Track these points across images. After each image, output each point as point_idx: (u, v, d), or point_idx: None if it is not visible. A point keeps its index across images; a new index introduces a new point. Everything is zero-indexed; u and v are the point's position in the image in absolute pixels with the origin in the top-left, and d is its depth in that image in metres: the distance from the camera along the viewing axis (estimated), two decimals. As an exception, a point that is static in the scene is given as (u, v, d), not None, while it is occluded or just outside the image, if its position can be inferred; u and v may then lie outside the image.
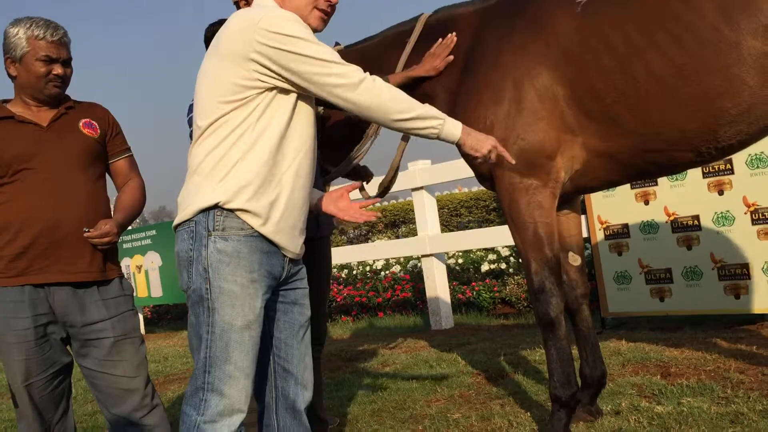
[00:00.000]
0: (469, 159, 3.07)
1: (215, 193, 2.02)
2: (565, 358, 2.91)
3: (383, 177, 3.31)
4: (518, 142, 2.82)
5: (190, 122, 3.53)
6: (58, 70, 2.47)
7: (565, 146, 2.84)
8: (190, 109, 3.56)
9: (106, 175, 2.65)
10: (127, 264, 9.69)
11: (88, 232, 2.42)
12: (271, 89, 2.06)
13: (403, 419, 3.62)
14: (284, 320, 2.22)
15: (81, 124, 2.53)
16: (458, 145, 2.31)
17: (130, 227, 11.47)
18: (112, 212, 2.60)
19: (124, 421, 2.49)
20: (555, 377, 2.92)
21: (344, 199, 2.42)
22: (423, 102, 2.26)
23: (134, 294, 9.43)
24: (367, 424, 3.62)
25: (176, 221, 2.12)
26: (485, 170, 3.03)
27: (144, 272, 9.53)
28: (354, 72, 2.09)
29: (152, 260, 9.36)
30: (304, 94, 2.12)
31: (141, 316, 10.27)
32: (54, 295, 2.44)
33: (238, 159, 2.03)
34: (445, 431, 3.32)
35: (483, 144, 2.30)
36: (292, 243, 2.17)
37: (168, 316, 11.06)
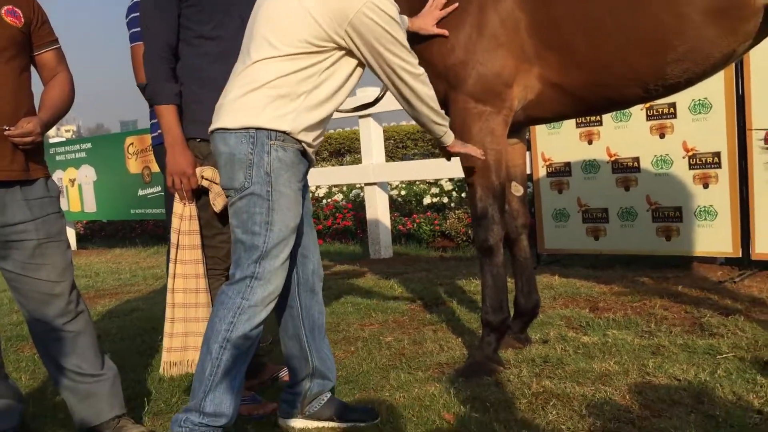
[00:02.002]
0: None
1: (280, 121, 2.19)
2: (500, 285, 2.96)
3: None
4: (477, 67, 2.82)
5: (129, 24, 3.34)
6: None
7: (522, 75, 2.85)
8: (130, 9, 3.36)
9: (31, 67, 2.48)
10: (59, 177, 9.36)
11: (8, 130, 2.27)
12: (346, 50, 2.23)
13: (336, 341, 3.64)
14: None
15: (3, 11, 2.33)
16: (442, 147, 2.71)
17: (64, 138, 11.01)
18: (36, 108, 2.43)
19: (47, 327, 2.40)
20: (488, 302, 2.96)
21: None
22: None
23: (67, 209, 9.10)
24: (300, 344, 3.63)
25: (230, 125, 2.22)
26: (441, 94, 2.99)
27: (77, 186, 9.22)
28: (417, 63, 2.34)
29: (86, 174, 9.05)
30: (363, 64, 2.31)
31: (73, 231, 10.00)
32: (-27, 193, 2.30)
33: (302, 94, 2.20)
34: (377, 353, 3.35)
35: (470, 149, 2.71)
36: (314, 158, 2.46)
37: (102, 233, 10.81)
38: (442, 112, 2.50)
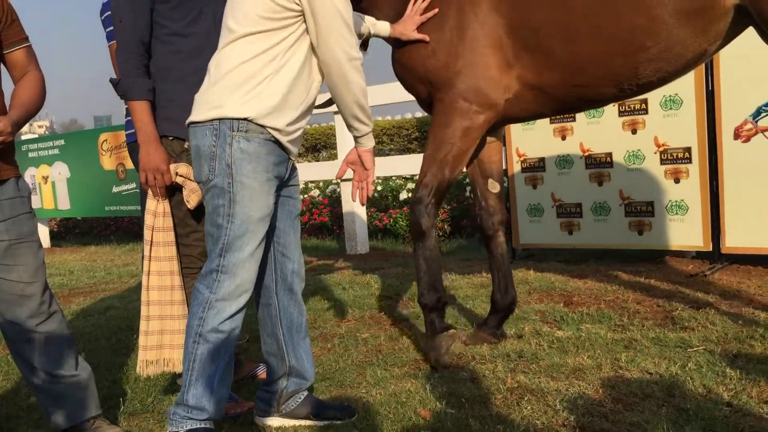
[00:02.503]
0: (408, 83, 3.13)
1: (244, 108, 2.18)
2: (433, 267, 3.03)
3: None
4: (459, 69, 2.88)
5: (104, 23, 3.30)
6: None
7: (502, 76, 2.89)
8: (104, 7, 3.32)
9: (1, 66, 2.44)
10: (32, 174, 9.23)
11: None
12: (304, 24, 2.22)
13: (313, 337, 3.64)
14: (282, 211, 2.44)
15: (-28, 9, 2.30)
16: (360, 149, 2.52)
17: (36, 135, 10.84)
18: (7, 107, 2.40)
19: (20, 329, 2.37)
20: (422, 284, 3.05)
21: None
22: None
23: (40, 206, 8.97)
24: (277, 342, 3.63)
25: (196, 118, 2.25)
26: (423, 95, 3.07)
27: (51, 183, 9.10)
28: (357, 47, 2.29)
29: (60, 171, 8.94)
30: None
31: (47, 229, 9.88)
32: (-58, 193, 2.26)
33: (266, 77, 2.19)
34: (354, 350, 3.36)
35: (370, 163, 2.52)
36: (296, 149, 2.40)
37: (75, 230, 10.69)
38: (369, 111, 2.41)
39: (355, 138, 2.48)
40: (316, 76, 2.32)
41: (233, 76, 2.20)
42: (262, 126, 2.21)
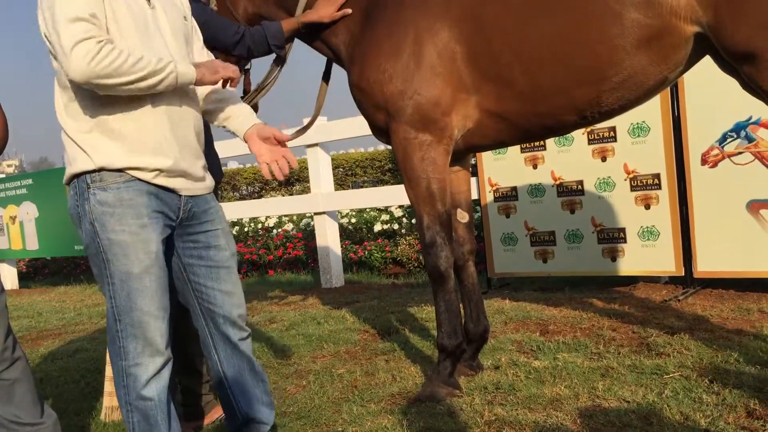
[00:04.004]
0: (366, 111, 3.06)
1: (88, 160, 2.03)
2: (453, 310, 2.99)
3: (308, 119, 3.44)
4: (415, 97, 2.85)
5: None
6: None
7: (460, 104, 2.88)
8: None
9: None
10: (0, 214, 9.07)
11: None
12: None
13: (287, 375, 3.58)
14: (199, 265, 2.25)
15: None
16: (199, 83, 2.17)
17: (3, 175, 10.65)
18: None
19: (-18, 376, 2.30)
20: (443, 328, 2.99)
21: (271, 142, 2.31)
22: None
23: (8, 247, 8.77)
24: (250, 380, 3.56)
25: (65, 180, 2.15)
26: (381, 123, 3.02)
27: (19, 223, 8.94)
28: (68, 46, 1.88)
29: (28, 211, 8.78)
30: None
31: (15, 270, 9.68)
32: None
33: (112, 118, 2.02)
34: (329, 386, 3.31)
35: (218, 68, 2.17)
36: (180, 181, 2.14)
37: (45, 271, 10.49)
38: (152, 65, 1.98)
39: (177, 83, 2.07)
40: (173, 106, 2.11)
41: (71, 130, 2.07)
42: (120, 170, 2.04)
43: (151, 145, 2.07)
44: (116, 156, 2.04)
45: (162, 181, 2.10)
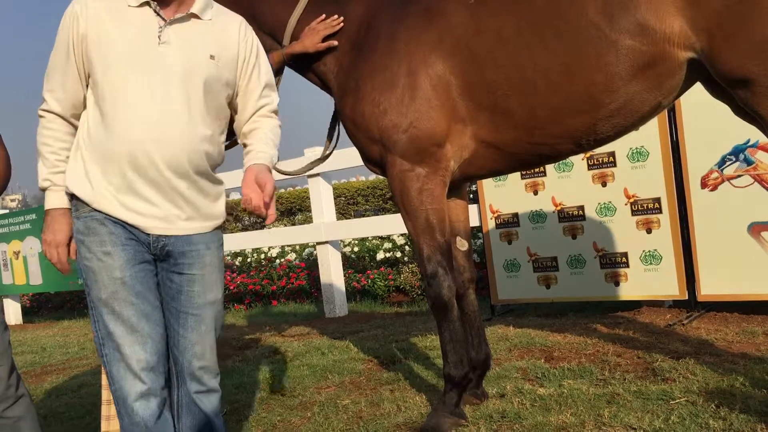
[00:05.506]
0: (360, 143, 3.06)
1: (69, 184, 2.13)
2: (458, 339, 2.97)
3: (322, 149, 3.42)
4: (410, 129, 2.84)
5: None
6: None
7: (456, 135, 2.88)
8: None
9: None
10: (3, 249, 9.10)
11: None
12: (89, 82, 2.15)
13: (292, 406, 3.56)
14: (171, 306, 2.19)
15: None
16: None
17: (7, 211, 10.70)
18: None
19: (-14, 414, 2.29)
20: (449, 358, 2.97)
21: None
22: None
23: (12, 282, 8.78)
24: (256, 412, 3.55)
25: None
26: (376, 156, 3.02)
27: (22, 258, 8.97)
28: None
29: (31, 246, 8.82)
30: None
31: (19, 305, 9.69)
32: None
33: (81, 145, 2.12)
34: (334, 417, 3.29)
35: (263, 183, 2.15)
36: (147, 220, 2.10)
37: (48, 305, 10.49)
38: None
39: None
40: (149, 149, 2.05)
41: (73, 152, 2.18)
42: (84, 202, 2.10)
43: (115, 184, 2.08)
44: (85, 189, 2.11)
45: (124, 215, 2.08)
